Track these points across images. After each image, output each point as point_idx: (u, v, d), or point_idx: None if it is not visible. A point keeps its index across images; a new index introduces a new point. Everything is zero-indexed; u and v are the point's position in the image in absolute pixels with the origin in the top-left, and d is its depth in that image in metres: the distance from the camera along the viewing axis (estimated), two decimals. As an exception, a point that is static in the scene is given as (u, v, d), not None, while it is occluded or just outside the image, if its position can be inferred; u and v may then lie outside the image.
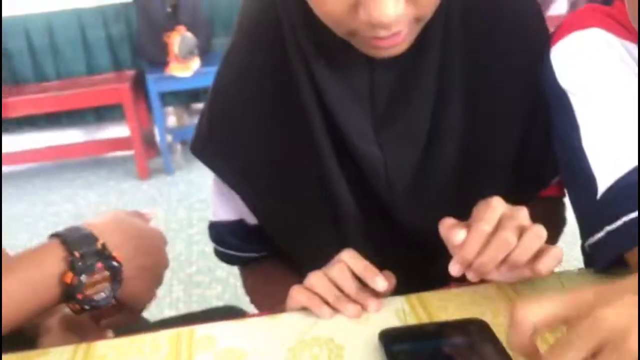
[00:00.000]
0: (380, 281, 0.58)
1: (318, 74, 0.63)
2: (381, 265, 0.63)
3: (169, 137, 3.36)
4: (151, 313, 2.27)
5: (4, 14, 3.42)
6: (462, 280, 0.58)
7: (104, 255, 0.59)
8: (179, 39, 2.92)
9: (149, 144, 3.42)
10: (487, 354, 0.48)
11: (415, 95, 0.64)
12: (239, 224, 0.79)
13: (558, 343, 0.39)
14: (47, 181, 3.38)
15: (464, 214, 0.56)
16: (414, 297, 0.60)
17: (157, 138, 3.34)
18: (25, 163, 3.54)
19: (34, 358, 0.56)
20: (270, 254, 0.80)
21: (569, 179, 0.63)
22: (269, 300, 0.73)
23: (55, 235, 0.60)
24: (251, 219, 0.77)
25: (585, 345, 0.38)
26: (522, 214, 0.55)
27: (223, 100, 0.72)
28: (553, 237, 0.73)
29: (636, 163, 0.55)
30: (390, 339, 0.51)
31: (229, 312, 0.89)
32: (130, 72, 3.38)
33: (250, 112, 0.69)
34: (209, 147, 0.74)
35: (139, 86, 3.33)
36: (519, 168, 0.69)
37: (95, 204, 3.04)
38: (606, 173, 0.57)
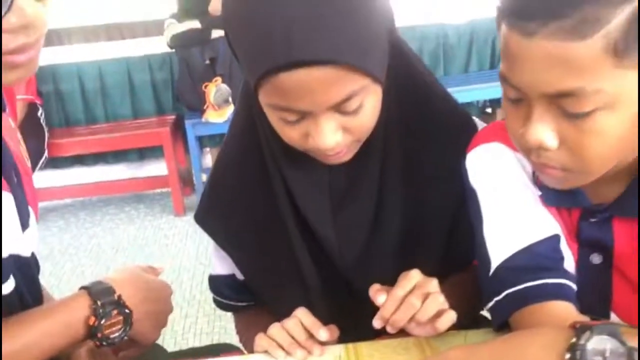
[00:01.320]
0: (323, 333, 0.76)
1: (286, 172, 0.82)
2: (336, 317, 0.81)
3: (204, 176, 3.61)
4: (177, 342, 2.49)
5: (59, 61, 3.78)
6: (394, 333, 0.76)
7: (119, 304, 0.80)
8: (215, 89, 3.18)
9: (186, 182, 3.68)
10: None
11: (362, 189, 0.83)
12: (232, 278, 0.99)
13: None
14: (92, 215, 3.65)
15: None
16: (350, 346, 0.77)
17: (194, 177, 3.60)
18: (72, 197, 3.84)
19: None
20: (257, 304, 0.99)
21: (477, 259, 0.80)
22: (250, 342, 0.92)
23: (83, 288, 0.80)
24: (240, 275, 0.97)
25: None
26: (432, 284, 0.73)
27: (218, 183, 0.92)
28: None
29: (515, 250, 0.72)
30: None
31: (224, 349, 1.08)
32: (171, 117, 3.66)
33: (236, 196, 0.89)
34: (207, 217, 0.94)
35: (179, 129, 3.61)
36: (448, 248, 0.86)
37: (134, 237, 3.28)
38: (496, 257, 0.74)
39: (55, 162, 3.84)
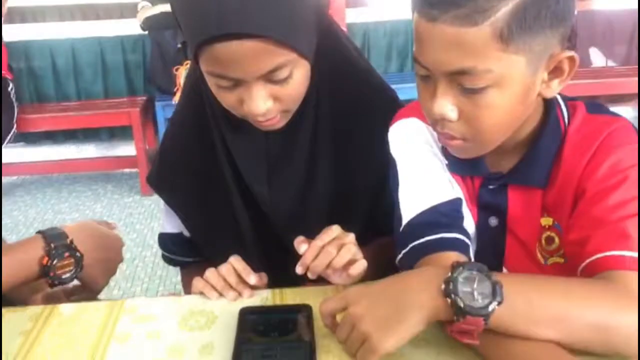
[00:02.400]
0: (252, 277, 0.86)
1: (227, 136, 0.92)
2: (268, 268, 0.91)
3: (172, 159, 3.67)
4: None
5: (30, 37, 3.80)
6: (316, 281, 0.86)
7: (70, 248, 0.88)
8: (186, 72, 3.24)
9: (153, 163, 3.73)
10: (302, 324, 0.76)
11: (296, 154, 0.93)
12: (179, 236, 1.08)
13: (339, 324, 0.69)
14: (58, 191, 3.69)
15: None
16: (277, 291, 0.87)
17: (162, 159, 3.66)
18: (40, 173, 3.87)
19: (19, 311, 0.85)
20: (200, 260, 1.09)
21: (394, 219, 0.90)
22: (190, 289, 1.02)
23: (39, 232, 0.89)
24: (187, 233, 1.06)
25: (345, 325, 0.69)
26: (349, 237, 0.84)
27: (167, 147, 1.02)
28: None
29: (421, 210, 0.83)
30: (246, 311, 0.79)
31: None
32: (142, 98, 3.71)
33: (182, 159, 0.99)
34: (158, 180, 1.03)
35: (149, 111, 3.67)
36: (373, 213, 0.97)
37: (100, 214, 3.34)
38: (405, 215, 0.84)
39: (25, 138, 3.88)
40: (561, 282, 0.69)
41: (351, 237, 0.84)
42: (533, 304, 0.66)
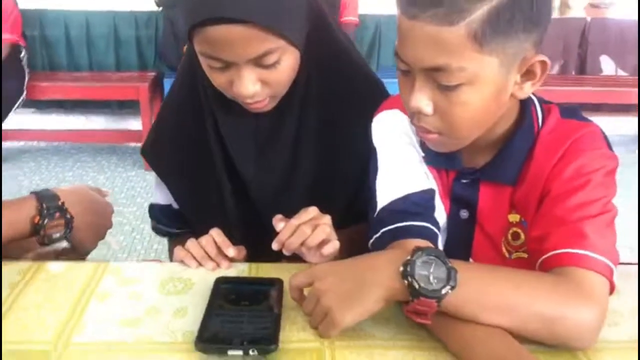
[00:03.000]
0: (231, 250, 0.90)
1: (218, 115, 0.96)
2: (249, 244, 0.96)
3: (178, 136, 3.72)
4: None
5: (45, 7, 3.85)
6: (292, 259, 0.90)
7: (62, 209, 0.93)
8: (196, 51, 3.28)
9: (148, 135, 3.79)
10: (272, 296, 0.80)
11: (282, 137, 0.97)
12: (168, 207, 1.13)
13: (306, 297, 0.73)
14: (64, 160, 3.76)
15: None
16: (254, 265, 0.92)
17: (167, 135, 3.71)
18: (48, 141, 3.94)
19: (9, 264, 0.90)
20: (187, 231, 1.13)
21: (369, 205, 0.94)
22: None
23: (33, 192, 0.94)
24: (176, 205, 1.11)
25: (311, 299, 0.73)
26: (325, 219, 0.88)
27: (161, 121, 1.06)
28: None
29: (395, 197, 0.87)
30: (221, 280, 0.84)
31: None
32: (152, 74, 3.76)
33: (175, 133, 1.03)
34: (150, 152, 1.08)
35: (158, 86, 3.72)
36: (354, 198, 1.01)
37: (102, 185, 3.40)
38: (380, 202, 0.88)
39: (35, 105, 3.94)
40: (514, 273, 0.73)
41: (327, 218, 0.88)
42: (484, 291, 0.70)
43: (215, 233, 0.92)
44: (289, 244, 0.86)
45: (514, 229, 0.88)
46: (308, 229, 0.85)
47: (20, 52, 3.50)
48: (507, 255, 0.89)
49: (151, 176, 3.51)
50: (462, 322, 0.70)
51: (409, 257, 0.70)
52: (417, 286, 0.68)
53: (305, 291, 0.77)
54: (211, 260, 0.91)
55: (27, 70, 3.53)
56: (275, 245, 0.87)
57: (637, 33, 3.91)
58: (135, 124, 3.93)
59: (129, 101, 3.89)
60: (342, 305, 0.71)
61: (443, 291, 0.68)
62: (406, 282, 0.69)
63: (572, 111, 0.89)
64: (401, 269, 0.69)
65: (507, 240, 0.89)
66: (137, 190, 3.35)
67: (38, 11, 3.82)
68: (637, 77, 3.95)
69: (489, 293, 0.70)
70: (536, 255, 0.79)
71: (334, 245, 0.87)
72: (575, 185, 0.79)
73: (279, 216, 0.89)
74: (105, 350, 0.71)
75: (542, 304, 0.70)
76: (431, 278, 0.69)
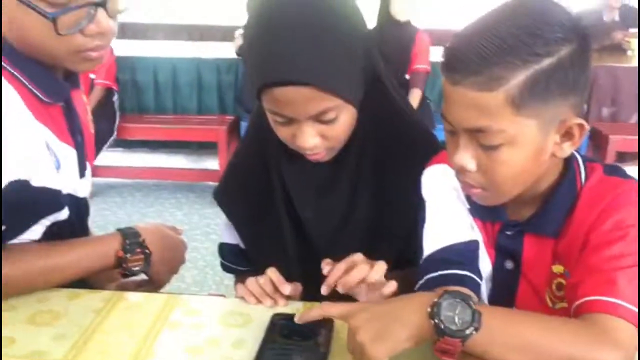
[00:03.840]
0: (286, 288, 0.98)
1: (282, 165, 1.06)
2: (307, 283, 1.04)
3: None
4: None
5: (137, 54, 4.17)
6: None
7: (142, 245, 1.05)
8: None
9: (220, 180, 3.98)
10: (322, 334, 0.87)
11: (339, 185, 1.06)
12: (236, 247, 1.23)
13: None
14: (146, 196, 4.00)
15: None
16: (308, 303, 1.00)
17: (242, 175, 3.90)
18: (132, 178, 4.21)
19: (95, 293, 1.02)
20: (253, 270, 1.23)
21: (417, 253, 1.00)
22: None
23: (118, 230, 1.06)
24: (242, 245, 1.21)
25: (350, 336, 0.79)
26: (379, 266, 0.95)
27: (232, 168, 1.18)
28: None
29: (440, 247, 0.93)
30: (277, 316, 0.92)
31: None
32: (231, 117, 3.98)
33: (244, 179, 1.14)
34: (221, 196, 1.19)
35: (235, 129, 3.92)
36: (406, 244, 1.07)
37: (180, 221, 3.59)
38: (426, 251, 0.95)
39: (124, 144, 4.24)
40: (540, 317, 0.78)
41: (381, 266, 0.95)
42: (509, 333, 0.75)
43: (271, 272, 1.00)
44: (347, 281, 0.92)
45: (558, 279, 0.92)
46: (366, 265, 0.92)
47: (113, 96, 3.81)
48: (550, 305, 0.93)
49: (225, 215, 3.72)
50: None
51: (436, 299, 0.76)
52: (442, 326, 0.74)
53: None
54: (269, 297, 0.99)
55: (118, 112, 3.83)
56: (324, 290, 0.94)
57: None
58: (213, 164, 4.15)
59: (207, 142, 4.13)
60: (375, 341, 0.76)
61: (467, 332, 0.73)
62: (433, 322, 0.74)
63: (615, 168, 0.92)
64: (429, 310, 0.75)
65: (551, 290, 0.93)
66: (212, 227, 3.51)
67: (131, 58, 4.14)
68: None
69: (514, 335, 0.74)
70: (571, 303, 0.83)
71: (393, 285, 0.93)
72: (613, 237, 0.83)
73: (327, 260, 0.96)
74: (171, 373, 0.80)
75: (566, 347, 0.73)
76: (456, 319, 0.74)
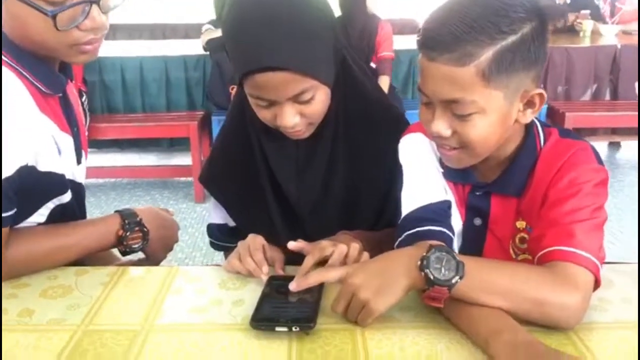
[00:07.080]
0: (265, 268, 1.04)
1: (264, 144, 1.15)
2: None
3: (225, 170, 3.95)
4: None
5: (103, 54, 4.18)
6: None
7: (140, 224, 1.13)
8: (241, 90, 3.53)
9: (205, 165, 4.04)
10: (314, 289, 0.96)
11: (317, 159, 1.15)
12: (224, 226, 1.32)
13: (338, 296, 0.89)
14: (121, 195, 4.03)
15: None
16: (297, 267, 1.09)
17: (215, 169, 3.96)
18: (105, 178, 4.23)
19: (100, 269, 1.09)
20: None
21: (396, 214, 1.10)
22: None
23: (117, 211, 1.14)
24: (231, 223, 1.29)
25: (345, 295, 0.88)
26: (354, 245, 1.04)
27: (216, 151, 1.26)
28: None
29: (416, 207, 1.03)
30: (274, 278, 1.01)
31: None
32: (200, 113, 4.03)
33: (228, 161, 1.23)
34: (207, 179, 1.28)
35: (206, 124, 3.98)
36: (381, 210, 1.18)
37: (156, 218, 3.64)
38: (404, 211, 1.05)
39: (95, 145, 4.25)
40: (511, 265, 0.89)
41: (356, 246, 1.04)
42: (487, 280, 0.85)
43: (253, 252, 1.08)
44: (333, 263, 1.00)
45: (521, 234, 1.03)
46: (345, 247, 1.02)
47: (82, 97, 3.82)
48: (514, 256, 1.04)
49: (201, 208, 3.80)
50: (468, 305, 0.86)
51: (424, 254, 0.86)
52: (431, 277, 0.84)
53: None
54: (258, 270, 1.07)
55: (87, 114, 3.84)
56: (292, 285, 0.96)
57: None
58: (184, 160, 4.20)
59: (178, 139, 4.17)
60: (377, 296, 0.86)
61: (453, 280, 0.84)
62: (423, 273, 0.85)
63: (568, 131, 1.04)
64: (418, 263, 0.85)
65: (514, 243, 1.04)
66: (189, 221, 3.57)
67: (97, 58, 4.13)
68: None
69: (490, 281, 0.86)
70: (534, 253, 0.94)
71: (366, 256, 1.03)
72: (568, 193, 0.94)
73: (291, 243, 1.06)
74: (181, 330, 0.89)
75: (533, 290, 0.85)
76: (443, 270, 0.84)
